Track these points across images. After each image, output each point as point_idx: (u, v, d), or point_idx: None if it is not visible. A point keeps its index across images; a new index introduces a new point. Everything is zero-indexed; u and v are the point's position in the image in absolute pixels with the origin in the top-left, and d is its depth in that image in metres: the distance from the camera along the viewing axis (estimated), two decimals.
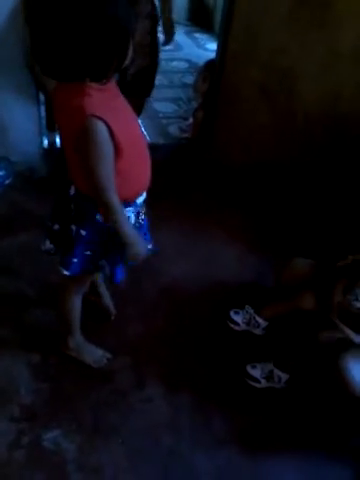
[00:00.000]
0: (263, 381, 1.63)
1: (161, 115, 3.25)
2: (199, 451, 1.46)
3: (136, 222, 1.39)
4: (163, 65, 3.88)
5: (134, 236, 1.29)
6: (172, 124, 3.15)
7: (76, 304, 1.56)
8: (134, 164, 1.24)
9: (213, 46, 4.23)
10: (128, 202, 1.30)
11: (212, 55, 3.95)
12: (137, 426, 1.50)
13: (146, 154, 1.30)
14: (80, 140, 1.10)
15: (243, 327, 1.81)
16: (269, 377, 1.63)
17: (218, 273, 2.07)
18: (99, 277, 1.73)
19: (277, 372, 1.62)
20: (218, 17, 4.36)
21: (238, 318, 1.81)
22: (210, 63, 2.91)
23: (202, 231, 2.27)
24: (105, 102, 1.11)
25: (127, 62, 1.12)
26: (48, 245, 1.46)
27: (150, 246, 1.50)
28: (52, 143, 2.60)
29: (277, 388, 1.63)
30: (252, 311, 1.80)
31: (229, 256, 2.16)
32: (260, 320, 1.78)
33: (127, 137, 1.15)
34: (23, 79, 2.21)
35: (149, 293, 1.94)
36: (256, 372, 1.64)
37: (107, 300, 1.82)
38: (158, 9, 2.15)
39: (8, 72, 2.17)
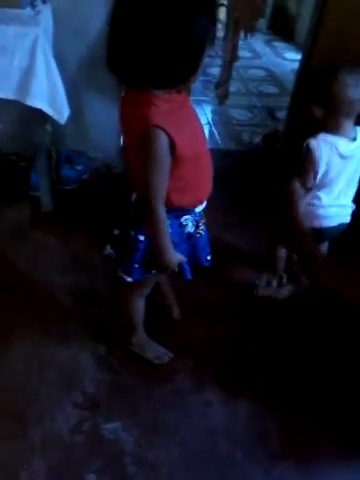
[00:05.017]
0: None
1: (235, 122, 3.26)
2: (254, 463, 1.44)
3: (196, 232, 1.39)
4: (240, 72, 3.91)
5: (168, 249, 1.27)
6: (245, 131, 3.15)
7: (139, 306, 1.59)
8: (196, 174, 1.25)
9: (292, 55, 4.21)
10: (187, 210, 1.32)
11: (291, 64, 3.95)
12: (194, 428, 1.51)
13: (208, 164, 1.30)
14: (140, 147, 1.12)
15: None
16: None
17: None
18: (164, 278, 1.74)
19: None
20: (299, 26, 4.34)
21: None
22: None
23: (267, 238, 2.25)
24: (171, 113, 1.12)
25: (198, 75, 1.11)
26: (109, 250, 1.47)
27: (209, 257, 1.51)
28: None
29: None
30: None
31: None
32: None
33: (190, 148, 1.16)
34: (108, 79, 2.28)
35: (213, 297, 1.94)
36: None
37: (171, 300, 1.84)
38: None
39: (96, 72, 2.25)
